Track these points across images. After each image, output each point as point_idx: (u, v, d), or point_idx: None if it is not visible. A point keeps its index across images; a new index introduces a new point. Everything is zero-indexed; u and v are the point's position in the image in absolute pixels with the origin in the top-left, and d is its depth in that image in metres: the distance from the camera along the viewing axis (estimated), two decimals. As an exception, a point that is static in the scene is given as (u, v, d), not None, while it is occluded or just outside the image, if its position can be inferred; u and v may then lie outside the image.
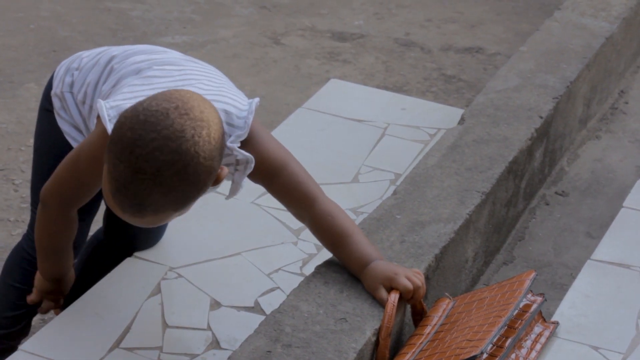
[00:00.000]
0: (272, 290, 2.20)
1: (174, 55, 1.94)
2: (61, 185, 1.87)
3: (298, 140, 2.76)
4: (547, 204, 2.70)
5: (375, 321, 1.90)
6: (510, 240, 2.55)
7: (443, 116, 2.89)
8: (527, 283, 1.98)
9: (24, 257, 2.10)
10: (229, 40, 3.68)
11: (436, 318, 1.98)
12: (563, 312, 2.10)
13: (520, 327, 1.95)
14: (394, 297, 1.89)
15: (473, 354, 1.79)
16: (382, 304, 1.90)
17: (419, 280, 1.90)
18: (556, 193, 2.75)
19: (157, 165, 1.59)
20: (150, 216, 1.65)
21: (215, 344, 2.04)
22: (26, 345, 2.01)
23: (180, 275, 2.23)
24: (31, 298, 2.06)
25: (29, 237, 2.10)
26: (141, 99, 1.69)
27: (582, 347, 2.02)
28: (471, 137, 2.51)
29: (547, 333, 2.02)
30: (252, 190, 2.52)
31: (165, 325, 2.07)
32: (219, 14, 3.87)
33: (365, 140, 2.77)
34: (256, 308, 2.14)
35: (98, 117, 1.80)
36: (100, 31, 3.68)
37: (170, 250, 2.31)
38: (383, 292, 1.89)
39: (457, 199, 2.26)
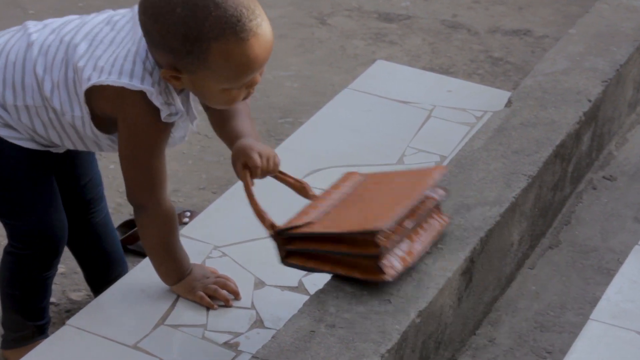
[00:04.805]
0: (316, 270, 2.20)
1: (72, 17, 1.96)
2: (145, 181, 1.90)
3: (343, 121, 2.75)
4: (595, 189, 2.68)
5: (420, 303, 1.89)
6: (556, 225, 2.53)
7: (489, 99, 2.87)
8: (437, 176, 2.01)
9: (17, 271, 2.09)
10: (275, 20, 3.67)
11: (345, 188, 2.02)
12: (610, 298, 2.09)
13: (421, 214, 1.96)
14: (245, 174, 1.96)
15: (379, 227, 1.81)
16: (237, 176, 1.98)
17: (272, 161, 1.98)
18: (604, 177, 2.72)
19: None
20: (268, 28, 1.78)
21: (259, 323, 2.05)
22: (73, 320, 2.04)
23: (224, 254, 2.24)
24: (206, 302, 2.06)
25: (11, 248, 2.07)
26: (122, 54, 1.81)
27: (629, 333, 2.00)
28: (518, 120, 2.49)
29: (438, 225, 2.02)
30: (297, 170, 2.52)
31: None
32: (265, -6, 3.87)
33: (411, 122, 2.76)
34: (300, 288, 2.14)
35: (115, 98, 1.81)
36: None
37: (215, 229, 2.32)
38: (238, 166, 1.97)
39: (503, 182, 2.25)
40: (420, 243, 1.95)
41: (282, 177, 2.05)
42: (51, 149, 1.98)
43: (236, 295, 2.08)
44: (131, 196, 1.94)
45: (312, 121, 2.76)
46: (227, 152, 2.01)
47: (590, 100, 2.59)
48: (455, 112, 2.80)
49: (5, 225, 2.05)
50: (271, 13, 3.72)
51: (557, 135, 2.44)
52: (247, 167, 1.97)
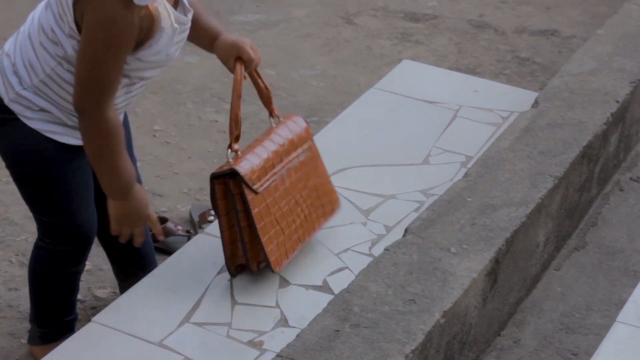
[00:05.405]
0: (340, 269, 2.20)
1: None
2: (95, 84, 1.87)
3: (369, 120, 2.75)
4: (622, 190, 2.66)
5: (445, 303, 1.89)
6: (582, 226, 2.52)
7: (516, 99, 2.86)
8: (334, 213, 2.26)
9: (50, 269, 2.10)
10: (301, 20, 3.68)
11: (300, 150, 2.19)
12: (636, 300, 2.07)
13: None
14: (239, 67, 2.07)
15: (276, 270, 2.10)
16: (231, 72, 2.08)
17: (258, 51, 2.11)
18: (631, 179, 2.70)
19: None
20: None
21: (284, 321, 2.05)
22: (98, 317, 2.05)
23: (249, 253, 2.24)
24: (113, 228, 2.03)
25: (40, 245, 2.08)
26: None
27: (655, 335, 1.99)
28: (545, 121, 2.48)
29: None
30: (322, 169, 2.52)
31: (235, 302, 2.09)
32: (291, -7, 3.87)
33: (437, 122, 2.75)
34: (325, 287, 2.15)
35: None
36: (174, 9, 3.71)
37: (240, 228, 2.32)
38: (232, 61, 2.07)
39: (529, 183, 2.24)
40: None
41: (256, 76, 2.15)
42: None
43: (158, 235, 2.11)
44: (78, 99, 1.90)
45: (338, 120, 2.76)
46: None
47: (618, 101, 2.57)
48: (481, 113, 2.79)
49: (38, 221, 2.06)
50: (298, 12, 3.73)
51: (584, 136, 2.42)
52: (240, 61, 2.06)
